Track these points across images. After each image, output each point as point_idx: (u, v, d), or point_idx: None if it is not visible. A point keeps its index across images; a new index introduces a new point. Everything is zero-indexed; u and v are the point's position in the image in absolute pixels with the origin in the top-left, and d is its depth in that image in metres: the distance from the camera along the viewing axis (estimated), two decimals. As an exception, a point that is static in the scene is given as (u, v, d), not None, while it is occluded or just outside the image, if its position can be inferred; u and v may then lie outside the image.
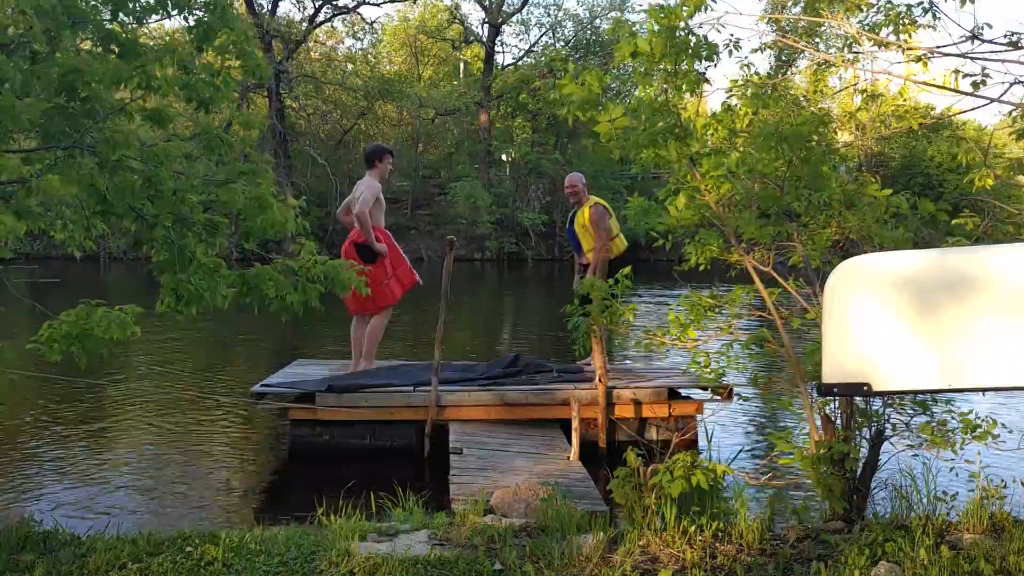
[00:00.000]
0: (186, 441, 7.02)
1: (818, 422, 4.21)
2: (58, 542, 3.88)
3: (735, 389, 6.55)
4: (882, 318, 2.77)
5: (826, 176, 4.30)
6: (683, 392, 7.12)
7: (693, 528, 3.74)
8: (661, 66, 4.13)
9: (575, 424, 6.13)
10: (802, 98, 5.15)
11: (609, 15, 37.75)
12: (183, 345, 12.12)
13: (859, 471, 4.14)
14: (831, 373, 2.82)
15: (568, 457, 6.02)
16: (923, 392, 3.72)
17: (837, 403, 4.24)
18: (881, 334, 2.77)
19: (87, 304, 4.02)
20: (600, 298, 4.29)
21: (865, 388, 2.80)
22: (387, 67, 40.72)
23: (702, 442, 6.28)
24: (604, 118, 4.17)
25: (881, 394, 3.08)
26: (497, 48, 37.84)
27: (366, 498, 4.93)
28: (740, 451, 6.34)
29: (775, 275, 4.39)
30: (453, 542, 3.86)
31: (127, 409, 7.99)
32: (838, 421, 4.20)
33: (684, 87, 4.18)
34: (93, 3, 3.87)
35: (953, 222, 5.00)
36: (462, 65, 41.17)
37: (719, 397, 6.85)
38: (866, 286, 2.82)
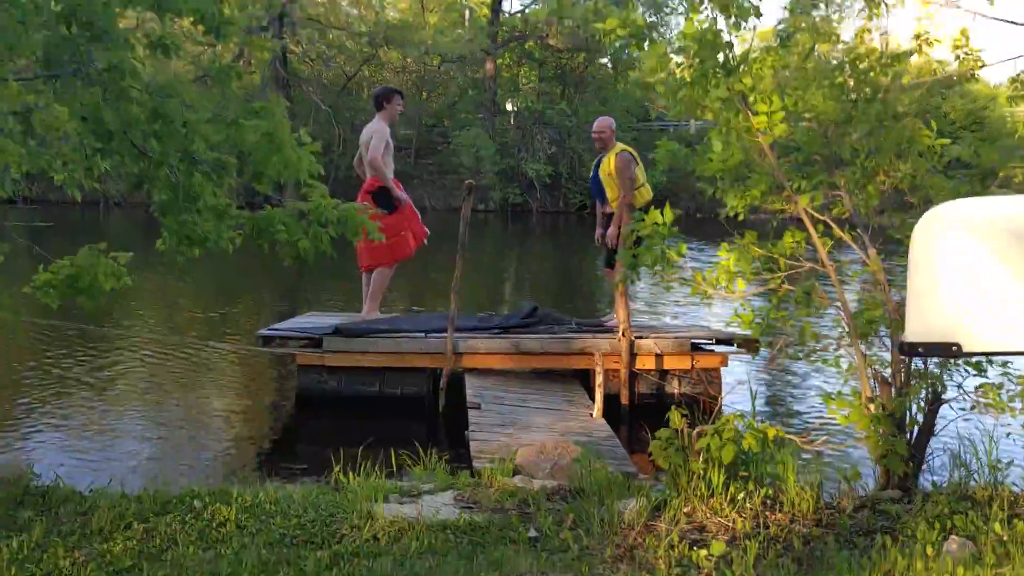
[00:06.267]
0: (190, 390, 6.78)
1: (872, 383, 3.93)
2: (58, 498, 3.64)
3: (761, 344, 6.28)
4: (977, 271, 2.48)
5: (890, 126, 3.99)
6: (705, 345, 6.84)
7: (742, 495, 3.47)
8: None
9: (599, 379, 5.85)
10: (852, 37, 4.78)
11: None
12: (187, 295, 11.85)
13: (914, 436, 3.88)
14: (916, 331, 2.54)
15: (591, 414, 5.76)
16: (1020, 354, 3.44)
17: (891, 363, 3.96)
18: (976, 289, 2.48)
19: (92, 249, 3.73)
20: (648, 236, 3.95)
21: (954, 348, 2.52)
22: (392, 13, 39.90)
23: (731, 399, 5.99)
24: (651, 55, 3.87)
25: (973, 355, 2.82)
26: (504, -6, 37.00)
27: (382, 453, 4.68)
28: (788, 412, 6.05)
29: (831, 223, 4.07)
30: (481, 505, 3.61)
31: (129, 358, 7.71)
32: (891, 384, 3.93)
33: (736, 16, 3.84)
34: None
35: (1000, 173, 4.69)
36: (468, 12, 40.32)
37: (744, 350, 6.60)
38: (959, 235, 2.52)
